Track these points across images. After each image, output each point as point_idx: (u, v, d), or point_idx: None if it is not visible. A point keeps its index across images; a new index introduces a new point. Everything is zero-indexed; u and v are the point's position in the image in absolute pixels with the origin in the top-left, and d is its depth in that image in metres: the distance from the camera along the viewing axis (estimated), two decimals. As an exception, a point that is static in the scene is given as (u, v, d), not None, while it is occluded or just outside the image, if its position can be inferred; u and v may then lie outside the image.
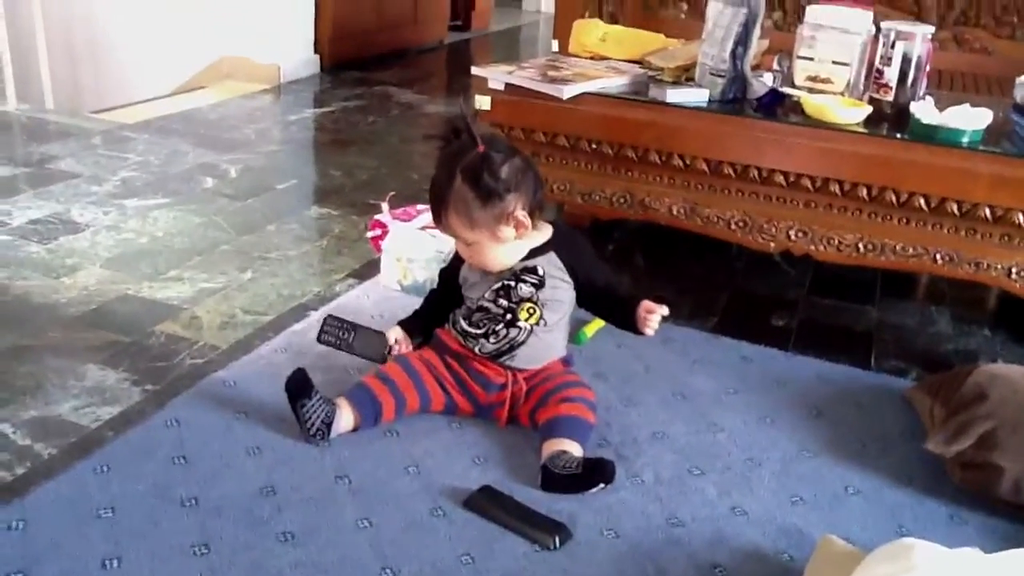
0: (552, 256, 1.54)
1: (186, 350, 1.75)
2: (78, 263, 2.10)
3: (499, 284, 1.54)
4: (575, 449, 1.44)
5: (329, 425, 1.46)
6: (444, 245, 1.97)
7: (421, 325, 1.67)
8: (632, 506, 1.39)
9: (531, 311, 1.53)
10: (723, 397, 1.71)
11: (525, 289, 1.53)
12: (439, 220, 1.52)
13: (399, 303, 1.94)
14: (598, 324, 1.89)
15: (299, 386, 1.46)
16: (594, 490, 1.39)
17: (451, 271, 1.64)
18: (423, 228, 2.04)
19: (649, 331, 1.53)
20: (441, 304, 1.65)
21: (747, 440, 1.58)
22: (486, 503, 1.35)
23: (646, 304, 1.52)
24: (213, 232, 2.34)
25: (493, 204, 1.46)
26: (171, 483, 1.36)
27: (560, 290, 1.55)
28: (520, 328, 1.54)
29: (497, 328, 1.54)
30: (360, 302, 1.99)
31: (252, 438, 1.48)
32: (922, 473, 1.50)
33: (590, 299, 1.60)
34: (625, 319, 1.56)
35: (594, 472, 1.40)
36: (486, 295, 1.55)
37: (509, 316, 1.54)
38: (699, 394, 1.71)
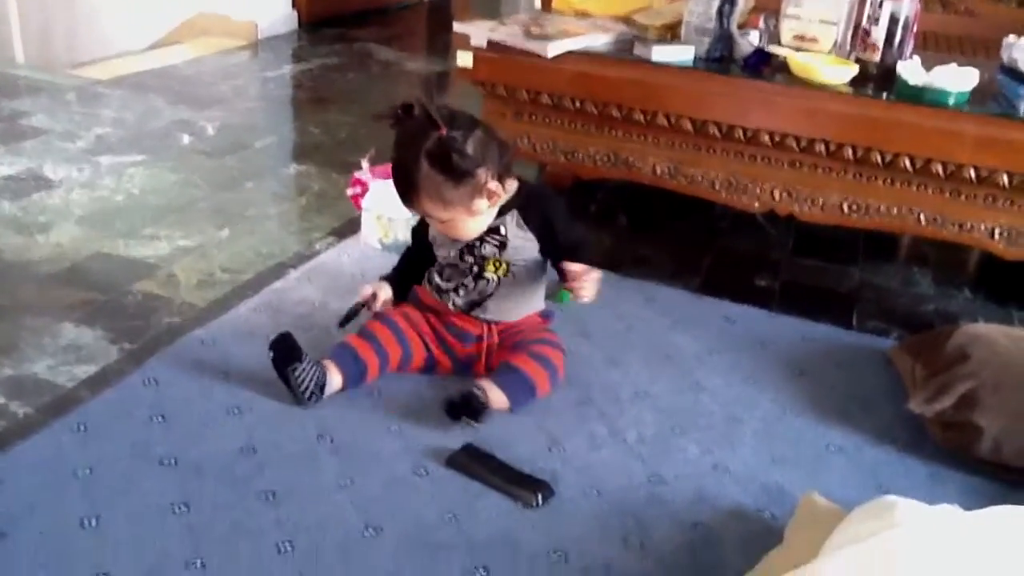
0: (515, 214, 1.52)
1: (163, 308, 1.73)
2: (52, 221, 2.06)
3: (463, 244, 1.53)
4: (495, 395, 1.45)
5: (322, 387, 1.44)
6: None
7: (399, 282, 1.64)
8: (614, 465, 1.38)
9: (496, 265, 1.53)
10: (706, 357, 1.70)
11: (488, 249, 1.52)
12: (409, 203, 1.47)
13: (380, 261, 1.92)
14: (581, 284, 1.88)
15: (288, 350, 1.43)
16: (460, 422, 1.42)
17: (422, 231, 1.61)
18: (404, 186, 2.01)
19: (584, 299, 1.46)
20: (417, 262, 1.63)
21: (729, 399, 1.58)
22: (468, 461, 1.35)
23: (570, 271, 1.46)
24: (190, 190, 2.30)
25: (465, 182, 1.42)
26: (150, 442, 1.34)
27: (524, 248, 1.53)
28: (487, 280, 1.53)
29: (465, 281, 1.54)
30: (340, 260, 1.96)
31: (231, 397, 1.46)
32: (903, 432, 1.51)
33: (552, 260, 1.55)
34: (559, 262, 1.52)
35: (463, 407, 1.42)
36: (451, 253, 1.55)
37: (476, 269, 1.53)
38: (682, 354, 1.71)
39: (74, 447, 1.32)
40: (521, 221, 1.52)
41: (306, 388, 1.43)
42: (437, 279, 1.58)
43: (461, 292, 1.55)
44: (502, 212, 1.51)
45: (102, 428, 1.36)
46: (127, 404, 1.43)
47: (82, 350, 1.57)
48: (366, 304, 1.59)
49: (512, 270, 1.53)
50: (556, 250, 1.53)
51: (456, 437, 1.40)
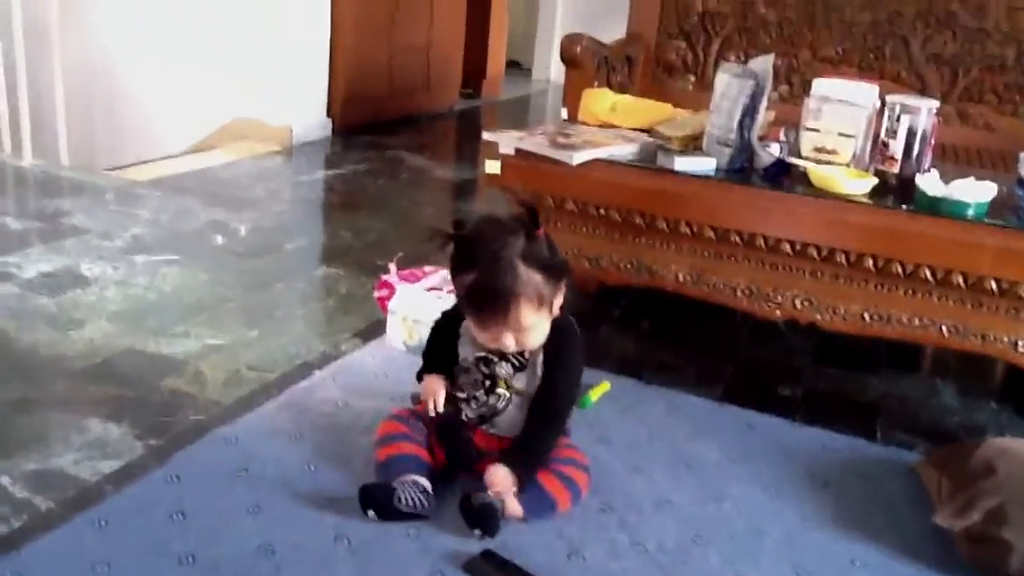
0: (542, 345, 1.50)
1: (190, 405, 1.75)
2: (86, 317, 2.11)
3: (482, 354, 1.52)
4: (513, 506, 1.43)
5: (424, 493, 1.43)
6: (449, 306, 1.98)
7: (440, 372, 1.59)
8: (635, 574, 1.36)
9: (507, 385, 1.52)
10: (728, 466, 1.69)
11: (503, 369, 1.51)
12: (501, 317, 1.41)
13: (404, 363, 1.94)
14: (603, 388, 1.89)
15: (381, 495, 1.42)
16: (476, 532, 1.39)
17: (447, 329, 1.58)
18: (429, 289, 2.05)
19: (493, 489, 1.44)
20: (443, 359, 1.59)
21: (752, 510, 1.56)
22: (487, 568, 1.33)
23: (490, 472, 1.44)
24: (221, 289, 2.35)
25: (558, 279, 1.44)
26: (169, 539, 1.34)
27: (536, 379, 1.51)
28: (499, 396, 1.52)
29: (477, 394, 1.53)
30: (365, 361, 1.99)
31: (252, 496, 1.47)
32: (930, 547, 1.48)
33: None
34: (509, 448, 1.50)
35: (480, 517, 1.39)
36: (468, 362, 1.54)
37: (488, 383, 1.52)
38: (704, 463, 1.69)
39: (94, 542, 1.32)
40: (541, 350, 1.50)
41: (415, 505, 1.42)
42: (455, 384, 1.57)
43: (473, 404, 1.54)
44: None
45: (123, 524, 1.37)
46: (148, 500, 1.43)
47: (108, 445, 1.59)
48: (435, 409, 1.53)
49: (524, 393, 1.52)
50: (538, 391, 1.50)
51: (473, 542, 1.39)
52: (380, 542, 1.38)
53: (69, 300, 2.20)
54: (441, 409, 1.53)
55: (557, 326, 1.50)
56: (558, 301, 1.47)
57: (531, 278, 1.40)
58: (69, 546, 1.31)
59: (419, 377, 1.61)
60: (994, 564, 1.39)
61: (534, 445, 1.50)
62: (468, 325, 1.53)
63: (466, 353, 1.55)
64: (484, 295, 1.41)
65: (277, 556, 1.33)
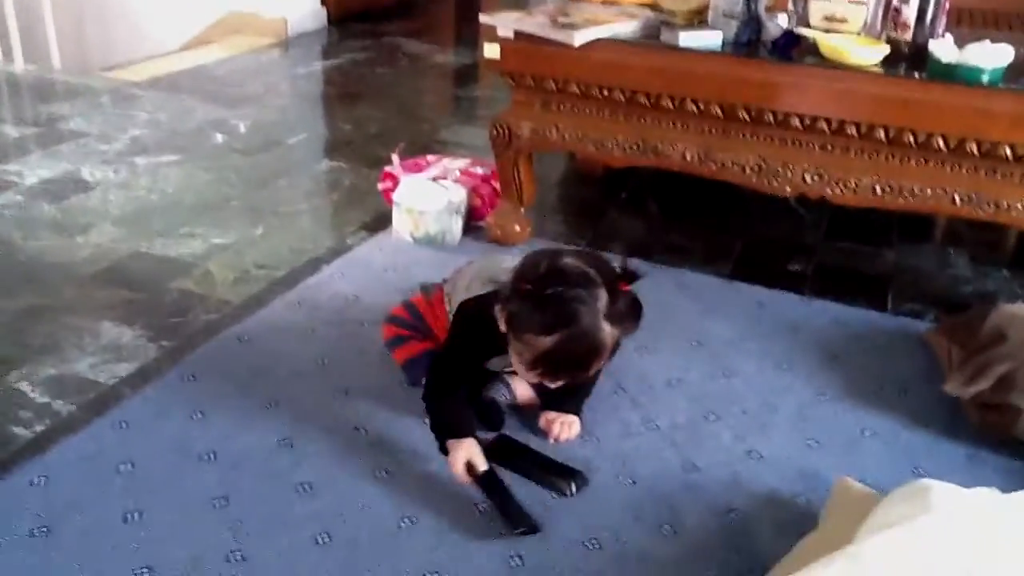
0: None
1: (200, 306, 1.76)
2: (90, 222, 2.10)
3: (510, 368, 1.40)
4: (523, 390, 1.45)
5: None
6: (455, 195, 1.96)
7: (470, 426, 1.36)
8: (648, 452, 1.39)
9: None
10: (739, 343, 1.70)
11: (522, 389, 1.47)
12: (583, 375, 1.31)
13: (411, 254, 1.94)
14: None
15: (494, 413, 1.42)
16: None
17: (472, 365, 1.41)
18: (434, 179, 2.03)
19: (555, 438, 1.39)
20: (465, 403, 1.39)
21: (762, 385, 1.57)
22: (502, 451, 1.36)
23: (552, 426, 1.39)
24: (224, 188, 2.33)
25: (635, 327, 1.29)
26: (189, 438, 1.37)
27: None
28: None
29: (504, 368, 1.45)
30: (372, 254, 1.98)
31: (268, 392, 1.49)
32: (939, 415, 1.50)
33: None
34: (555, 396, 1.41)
35: (485, 414, 1.40)
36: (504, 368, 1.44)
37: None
38: (714, 340, 1.70)
39: (116, 444, 1.35)
40: None
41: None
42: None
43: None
44: None
45: (143, 424, 1.39)
46: (167, 401, 1.45)
47: (122, 348, 1.61)
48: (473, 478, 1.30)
49: None
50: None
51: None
52: (397, 432, 1.41)
53: (73, 205, 2.19)
54: (478, 472, 1.29)
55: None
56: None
57: (613, 336, 1.25)
58: (93, 448, 1.34)
59: (437, 424, 1.37)
60: (1003, 429, 1.41)
61: (579, 392, 1.44)
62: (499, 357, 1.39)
63: (493, 364, 1.45)
64: (566, 360, 1.26)
65: (296, 450, 1.36)
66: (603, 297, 1.23)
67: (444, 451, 1.32)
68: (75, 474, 1.28)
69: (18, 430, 1.38)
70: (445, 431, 1.34)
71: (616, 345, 1.30)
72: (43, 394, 1.48)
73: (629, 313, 1.26)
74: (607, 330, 1.24)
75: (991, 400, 1.42)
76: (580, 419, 1.43)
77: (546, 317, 1.23)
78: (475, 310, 1.37)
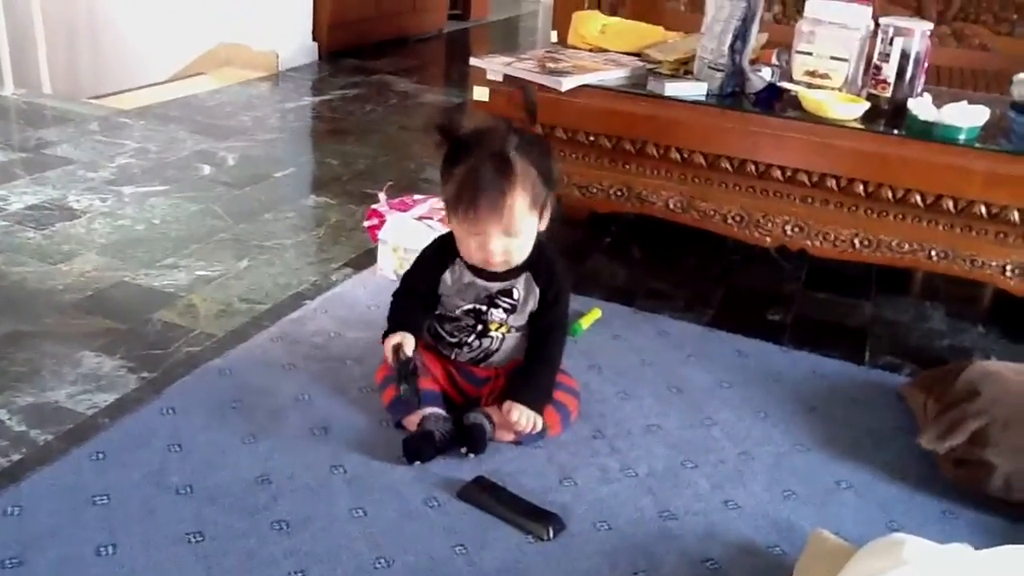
0: (530, 277, 1.49)
1: (182, 338, 1.75)
2: (74, 249, 2.10)
3: (471, 307, 1.50)
4: (504, 430, 1.47)
5: (447, 420, 1.47)
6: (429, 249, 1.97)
7: (410, 330, 1.50)
8: (625, 499, 1.39)
9: (500, 325, 1.52)
10: (718, 391, 1.71)
11: (496, 314, 1.50)
12: (498, 211, 1.37)
13: (395, 293, 1.94)
14: (594, 316, 1.90)
15: (424, 443, 1.43)
16: (463, 449, 1.43)
17: (428, 278, 1.52)
18: (419, 218, 2.04)
19: (513, 433, 1.47)
20: (416, 311, 1.54)
21: (741, 434, 1.58)
22: (480, 494, 1.36)
23: (511, 415, 1.44)
24: (210, 220, 2.34)
25: (550, 184, 1.43)
26: (166, 471, 1.36)
27: (527, 312, 1.52)
28: (492, 338, 1.53)
29: (469, 340, 1.53)
30: (356, 292, 1.99)
31: (247, 427, 1.48)
32: (915, 469, 1.51)
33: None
34: (515, 386, 1.49)
35: (469, 437, 1.43)
36: (457, 313, 1.51)
37: (480, 327, 1.52)
38: (694, 387, 1.71)
39: (92, 475, 1.34)
40: (532, 282, 1.50)
41: (446, 437, 1.44)
42: (440, 331, 1.55)
43: (465, 350, 1.54)
44: (516, 272, 1.48)
45: (120, 456, 1.39)
46: (145, 432, 1.45)
47: (102, 379, 1.60)
48: (404, 359, 1.45)
49: (517, 330, 1.53)
50: (534, 322, 1.52)
51: (468, 469, 1.41)
52: (375, 471, 1.40)
53: (57, 233, 2.18)
54: (410, 353, 1.45)
55: (544, 256, 1.50)
56: (547, 214, 1.46)
57: (527, 170, 1.38)
58: (68, 479, 1.33)
59: (389, 323, 1.53)
60: (977, 485, 1.43)
61: (540, 379, 1.50)
62: (449, 274, 1.50)
63: (451, 305, 1.52)
64: (478, 182, 1.36)
65: (273, 486, 1.35)
66: (514, 137, 1.39)
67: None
68: (50, 505, 1.27)
69: (-7, 459, 1.37)
70: (391, 327, 1.50)
71: (540, 207, 1.42)
72: (20, 422, 1.47)
73: (539, 153, 1.41)
74: (518, 160, 1.37)
75: (965, 456, 1.44)
76: (540, 411, 1.47)
77: (463, 148, 1.40)
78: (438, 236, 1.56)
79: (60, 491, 1.30)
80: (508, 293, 1.49)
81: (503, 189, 1.37)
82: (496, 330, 1.52)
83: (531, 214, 1.41)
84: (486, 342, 1.53)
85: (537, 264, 1.49)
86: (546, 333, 1.53)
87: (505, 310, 1.51)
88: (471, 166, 1.38)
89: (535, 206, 1.41)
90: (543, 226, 1.47)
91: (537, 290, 1.50)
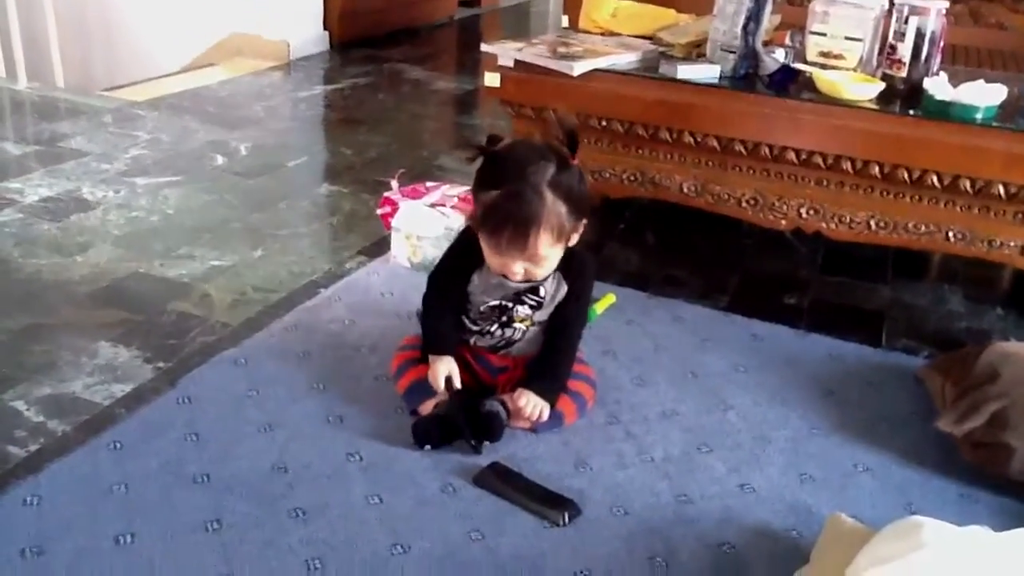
0: (559, 275, 1.49)
1: (197, 327, 1.76)
2: (89, 241, 2.11)
3: (497, 303, 1.49)
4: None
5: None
6: (453, 222, 1.97)
7: (450, 345, 1.52)
8: (641, 483, 1.39)
9: (525, 319, 1.52)
10: (733, 375, 1.70)
11: (522, 311, 1.50)
12: (519, 242, 1.36)
13: (408, 280, 1.94)
14: (608, 301, 1.89)
15: (434, 427, 1.43)
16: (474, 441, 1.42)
17: (459, 278, 1.51)
18: (432, 205, 2.04)
19: (522, 420, 1.46)
20: (451, 315, 1.54)
21: (757, 418, 1.58)
22: (496, 480, 1.36)
23: (522, 402, 1.44)
24: (223, 210, 2.34)
25: (582, 213, 1.40)
26: (183, 460, 1.37)
27: (551, 309, 1.52)
28: (515, 328, 1.52)
29: (492, 329, 1.52)
30: (370, 280, 1.99)
31: (263, 416, 1.49)
32: (933, 452, 1.50)
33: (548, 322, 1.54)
34: (530, 374, 1.50)
35: (485, 425, 1.42)
36: (482, 308, 1.51)
37: (505, 318, 1.51)
38: (709, 372, 1.71)
39: (110, 465, 1.35)
40: (561, 280, 1.49)
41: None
42: (463, 318, 1.54)
43: (487, 337, 1.54)
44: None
45: (137, 446, 1.39)
46: (161, 422, 1.46)
47: (118, 369, 1.61)
48: (449, 391, 1.47)
49: (540, 323, 1.53)
50: (554, 316, 1.52)
51: (483, 455, 1.41)
52: (391, 458, 1.41)
53: (72, 224, 2.19)
54: (455, 387, 1.46)
55: (577, 258, 1.48)
56: (576, 236, 1.43)
57: (556, 207, 1.35)
58: (86, 469, 1.34)
59: (425, 338, 1.54)
60: (996, 467, 1.42)
61: (557, 370, 1.51)
62: (477, 275, 1.49)
63: (478, 300, 1.51)
64: (505, 216, 1.35)
65: (290, 474, 1.36)
66: (550, 168, 1.35)
67: (425, 359, 1.50)
68: (68, 495, 1.28)
69: (13, 449, 1.38)
70: (430, 345, 1.51)
71: (570, 249, 1.42)
72: (38, 413, 1.48)
73: (573, 189, 1.37)
74: (549, 196, 1.34)
75: (984, 438, 1.43)
76: (551, 402, 1.47)
77: (494, 172, 1.37)
78: (464, 230, 1.53)
79: (78, 481, 1.31)
80: (535, 291, 1.49)
81: (528, 228, 1.34)
82: (520, 324, 1.52)
83: (556, 245, 1.39)
84: (508, 332, 1.53)
85: (567, 263, 1.47)
86: (565, 324, 1.53)
87: (531, 307, 1.50)
88: (501, 197, 1.35)
89: (561, 238, 1.39)
90: (574, 242, 1.44)
91: (565, 287, 1.49)
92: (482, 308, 1.51)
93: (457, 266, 1.51)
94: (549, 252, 1.39)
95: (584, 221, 1.43)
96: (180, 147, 2.81)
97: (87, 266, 1.98)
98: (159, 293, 1.89)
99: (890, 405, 1.64)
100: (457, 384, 1.46)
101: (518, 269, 1.41)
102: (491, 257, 1.43)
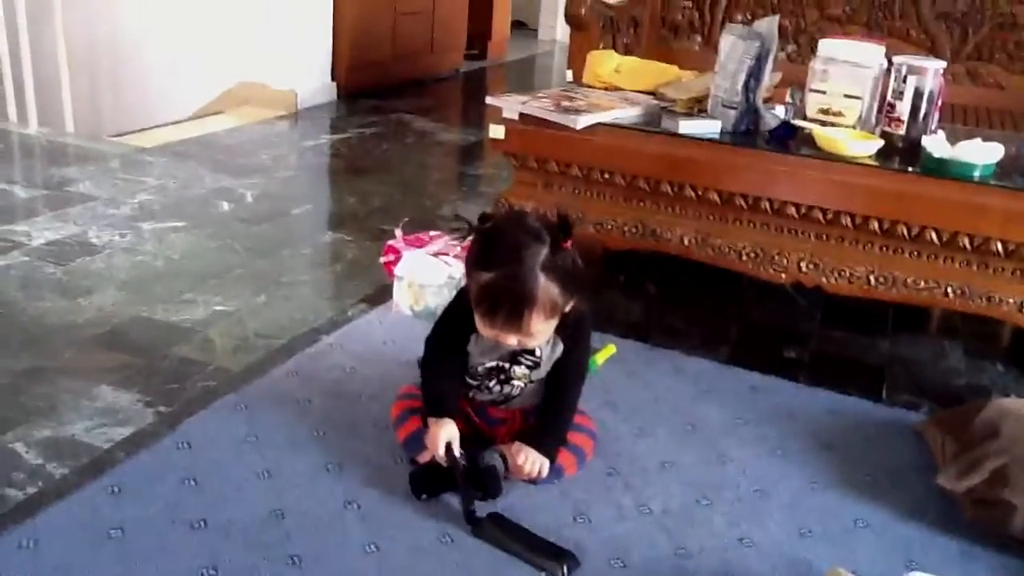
0: (555, 337, 1.48)
1: (199, 372, 1.76)
2: (94, 285, 2.12)
3: (494, 364, 1.50)
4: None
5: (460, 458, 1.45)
6: (456, 271, 1.99)
7: (453, 405, 1.52)
8: (640, 536, 1.38)
9: (522, 377, 1.52)
10: (733, 428, 1.70)
11: (519, 371, 1.50)
12: (513, 322, 1.37)
13: (410, 328, 1.95)
14: (609, 351, 1.90)
15: (430, 476, 1.43)
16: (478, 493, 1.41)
17: (458, 338, 1.51)
18: (435, 254, 2.05)
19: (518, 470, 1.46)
20: (454, 385, 1.53)
21: (756, 472, 1.57)
22: (494, 530, 1.35)
23: (520, 457, 1.45)
24: (228, 256, 2.36)
25: (574, 293, 1.40)
26: (181, 505, 1.37)
27: (549, 366, 1.52)
28: (513, 385, 1.52)
29: (491, 384, 1.52)
30: (372, 327, 2.00)
31: (262, 461, 1.49)
32: (933, 508, 1.49)
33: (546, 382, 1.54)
34: (530, 429, 1.51)
35: (483, 480, 1.42)
36: (479, 369, 1.51)
37: (503, 376, 1.51)
38: (709, 425, 1.71)
39: (108, 509, 1.34)
40: (557, 339, 1.49)
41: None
42: (464, 376, 1.54)
43: (485, 392, 1.54)
44: None
45: (136, 490, 1.39)
46: (160, 467, 1.45)
47: (119, 413, 1.61)
48: (449, 457, 1.44)
49: (538, 380, 1.53)
50: (552, 375, 1.52)
51: (482, 505, 1.41)
52: (389, 507, 1.40)
53: (77, 268, 2.21)
54: (455, 454, 1.44)
55: (573, 318, 1.46)
56: (571, 306, 1.43)
57: (549, 289, 1.35)
58: (83, 513, 1.33)
59: (425, 399, 1.53)
60: (997, 525, 1.41)
61: (556, 426, 1.51)
62: (474, 338, 1.49)
63: (475, 362, 1.51)
64: (498, 299, 1.36)
65: (287, 521, 1.35)
66: (543, 250, 1.35)
67: (424, 423, 1.49)
68: (65, 538, 1.27)
69: (10, 492, 1.38)
70: (431, 408, 1.49)
71: (565, 313, 1.41)
72: (37, 456, 1.48)
73: (567, 270, 1.37)
74: (542, 279, 1.34)
75: (984, 496, 1.42)
76: (550, 457, 1.46)
77: (488, 254, 1.38)
78: (459, 293, 1.52)
79: (76, 525, 1.30)
80: (531, 351, 1.49)
81: (522, 309, 1.35)
82: (519, 380, 1.52)
83: (549, 321, 1.40)
84: (507, 388, 1.53)
85: (563, 325, 1.46)
86: (565, 380, 1.53)
87: (528, 367, 1.50)
88: (494, 280, 1.36)
89: (554, 314, 1.39)
90: (567, 309, 1.43)
91: (561, 345, 1.50)
92: (479, 369, 1.51)
93: (454, 330, 1.51)
94: (542, 327, 1.40)
95: (578, 296, 1.42)
96: (187, 193, 2.84)
97: (91, 310, 1.99)
98: (162, 337, 1.89)
99: (890, 460, 1.63)
100: (457, 451, 1.44)
101: (512, 342, 1.41)
102: (484, 331, 1.43)
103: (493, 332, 1.41)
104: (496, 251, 1.37)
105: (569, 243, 1.38)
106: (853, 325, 2.20)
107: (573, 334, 1.50)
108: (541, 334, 1.42)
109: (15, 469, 1.44)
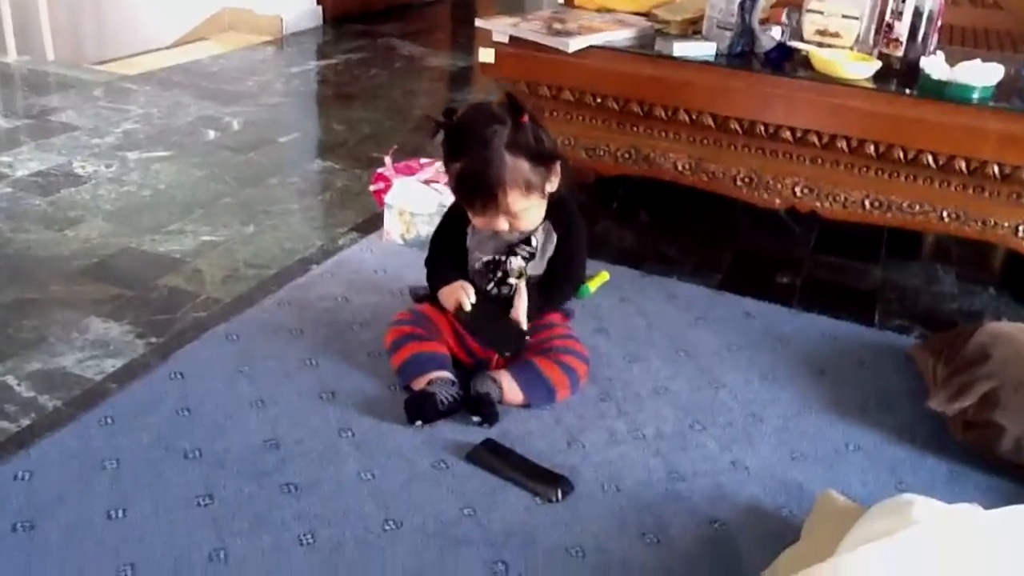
0: (548, 225, 1.54)
1: (189, 303, 1.75)
2: (80, 216, 2.09)
3: (491, 258, 1.55)
4: (512, 391, 1.47)
5: (455, 385, 1.47)
6: (447, 199, 1.97)
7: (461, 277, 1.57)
8: (633, 460, 1.39)
9: (520, 273, 1.54)
10: (726, 353, 1.70)
11: (516, 263, 1.54)
12: (491, 203, 1.43)
13: (402, 257, 1.94)
14: (601, 278, 1.89)
15: (426, 404, 1.43)
16: (475, 419, 1.44)
17: (455, 235, 1.57)
18: (426, 182, 2.03)
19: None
20: (456, 268, 1.58)
21: (749, 396, 1.58)
22: (488, 456, 1.36)
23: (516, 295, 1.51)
24: (215, 185, 2.33)
25: (546, 164, 1.46)
26: (175, 435, 1.37)
27: (545, 260, 1.55)
28: (510, 285, 1.55)
29: (488, 288, 1.55)
30: (362, 256, 1.98)
31: (255, 391, 1.49)
32: (924, 431, 1.51)
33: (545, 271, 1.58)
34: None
35: (479, 405, 1.44)
36: (477, 266, 1.56)
37: (500, 275, 1.55)
38: (702, 350, 1.71)
39: (101, 440, 1.34)
40: (551, 229, 1.54)
41: (453, 401, 1.44)
42: None
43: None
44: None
45: (129, 421, 1.39)
46: (153, 397, 1.45)
47: (109, 344, 1.60)
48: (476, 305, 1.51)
49: (533, 278, 1.55)
50: (550, 264, 1.56)
51: (476, 432, 1.42)
52: (383, 434, 1.41)
53: (62, 199, 2.18)
54: (473, 300, 1.49)
55: (557, 202, 1.53)
56: (551, 184, 1.49)
57: (517, 165, 1.42)
58: (77, 444, 1.33)
59: (432, 287, 1.58)
60: (986, 447, 1.42)
61: (551, 294, 1.56)
62: (471, 231, 1.55)
63: (473, 258, 1.56)
64: (472, 183, 1.44)
65: (282, 450, 1.36)
66: (505, 131, 1.41)
67: (433, 297, 1.56)
68: (60, 470, 1.28)
69: (4, 424, 1.38)
70: (439, 284, 1.55)
71: (539, 188, 1.45)
72: (29, 388, 1.47)
73: (530, 144, 1.43)
74: (507, 156, 1.41)
75: (975, 418, 1.43)
76: (538, 308, 1.53)
77: (456, 144, 1.45)
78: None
79: (69, 456, 1.31)
80: (527, 241, 1.53)
81: (494, 190, 1.42)
82: (515, 278, 1.54)
83: (530, 197, 1.45)
84: (504, 289, 1.55)
85: (555, 212, 1.53)
86: (560, 266, 1.56)
87: (524, 258, 1.54)
88: (464, 167, 1.43)
89: (531, 190, 1.45)
90: (553, 187, 1.49)
91: (555, 236, 1.54)
92: (477, 265, 1.55)
93: (453, 224, 1.58)
94: (525, 205, 1.46)
95: (555, 166, 1.48)
96: (172, 122, 2.79)
97: (78, 241, 1.97)
98: (150, 268, 1.88)
99: (882, 384, 1.64)
100: (472, 299, 1.49)
101: (503, 225, 1.48)
102: (475, 220, 1.51)
103: (484, 220, 1.48)
104: (463, 140, 1.44)
105: (526, 117, 1.43)
106: (846, 251, 2.19)
107: (559, 217, 1.54)
108: (527, 212, 1.47)
109: (7, 401, 1.43)
